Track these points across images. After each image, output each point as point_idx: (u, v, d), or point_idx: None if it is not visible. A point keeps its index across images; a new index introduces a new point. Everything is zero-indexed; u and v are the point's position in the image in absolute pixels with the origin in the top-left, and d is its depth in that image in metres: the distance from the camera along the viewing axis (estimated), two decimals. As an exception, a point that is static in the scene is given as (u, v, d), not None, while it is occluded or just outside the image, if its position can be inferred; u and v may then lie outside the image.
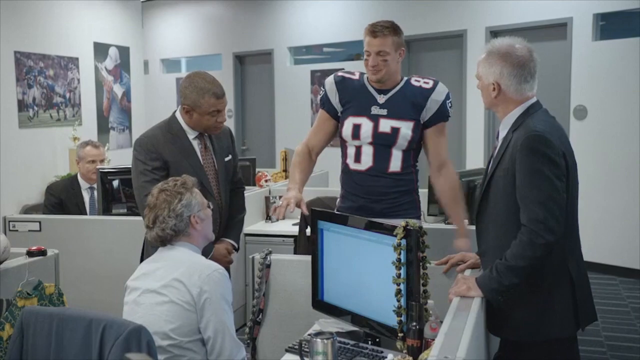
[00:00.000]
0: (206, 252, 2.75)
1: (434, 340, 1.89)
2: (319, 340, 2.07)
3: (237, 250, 3.08)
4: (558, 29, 6.43)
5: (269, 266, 2.73)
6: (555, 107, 6.46)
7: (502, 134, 2.35)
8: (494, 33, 6.91)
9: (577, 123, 6.29)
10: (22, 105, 5.74)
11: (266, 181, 5.41)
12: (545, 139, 2.19)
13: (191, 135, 2.93)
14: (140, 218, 3.71)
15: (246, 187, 5.11)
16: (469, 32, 7.07)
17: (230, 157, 3.08)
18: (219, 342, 2.24)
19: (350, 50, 8.51)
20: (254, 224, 4.90)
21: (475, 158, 7.04)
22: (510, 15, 6.74)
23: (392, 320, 2.19)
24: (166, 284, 2.27)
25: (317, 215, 2.58)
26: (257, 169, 5.75)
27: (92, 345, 2.03)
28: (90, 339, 2.05)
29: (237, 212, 3.14)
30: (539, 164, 2.16)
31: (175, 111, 3.00)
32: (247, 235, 4.72)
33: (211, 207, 2.52)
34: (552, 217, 2.10)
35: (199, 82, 2.86)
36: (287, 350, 2.38)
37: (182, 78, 3.01)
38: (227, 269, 2.94)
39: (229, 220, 3.07)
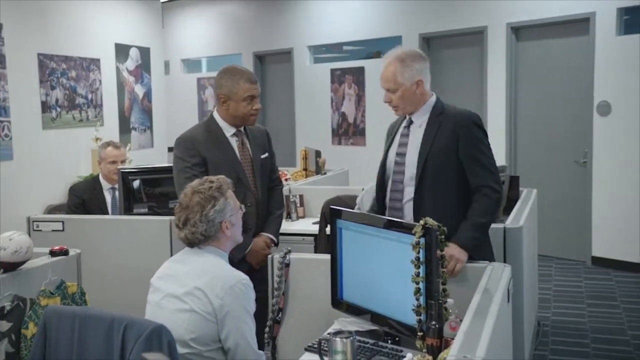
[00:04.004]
0: (244, 246, 2.78)
1: (453, 339, 1.87)
2: (338, 339, 2.07)
3: (276, 244, 3.15)
4: (580, 24, 6.34)
5: (288, 265, 2.73)
6: (578, 104, 6.40)
7: (420, 121, 2.78)
8: (515, 29, 6.84)
9: (601, 119, 6.20)
10: (45, 107, 5.82)
11: (286, 180, 5.41)
12: (479, 117, 2.79)
13: (228, 132, 3.08)
14: (161, 218, 3.76)
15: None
16: (490, 28, 7.01)
17: (266, 154, 3.20)
18: (239, 354, 2.23)
19: (370, 48, 8.49)
20: (274, 222, 4.89)
21: (497, 156, 6.95)
22: (532, 11, 6.66)
23: (411, 319, 2.18)
24: (188, 292, 2.25)
25: (336, 214, 2.58)
26: (277, 168, 5.75)
27: (114, 345, 2.05)
28: (112, 339, 2.06)
29: (276, 209, 3.24)
30: (482, 136, 2.72)
31: (212, 112, 3.14)
32: (267, 234, 4.72)
33: (243, 209, 2.50)
34: (497, 177, 2.71)
35: (232, 71, 3.05)
36: (306, 350, 2.37)
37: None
38: (264, 263, 2.92)
39: (267, 216, 3.17)
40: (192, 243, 2.35)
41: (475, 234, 2.61)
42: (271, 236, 3.12)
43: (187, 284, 2.27)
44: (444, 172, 2.68)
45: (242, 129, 3.12)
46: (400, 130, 2.85)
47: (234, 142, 3.08)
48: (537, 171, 6.69)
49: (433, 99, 2.80)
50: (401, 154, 2.80)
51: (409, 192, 2.74)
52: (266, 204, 3.16)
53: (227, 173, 2.58)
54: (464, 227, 2.62)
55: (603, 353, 4.19)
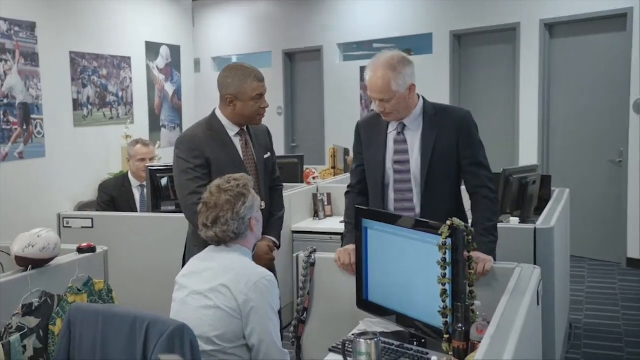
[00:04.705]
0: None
1: (480, 342, 1.83)
2: (362, 340, 2.03)
3: (278, 247, 3.06)
4: (617, 20, 6.19)
5: (313, 264, 2.70)
6: (614, 101, 6.25)
7: (415, 125, 2.71)
8: (549, 26, 6.71)
9: (637, 117, 6.04)
10: (77, 104, 5.90)
11: (314, 178, 5.39)
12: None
13: (232, 132, 2.96)
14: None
15: (294, 185, 5.15)
16: (522, 25, 6.89)
17: (269, 154, 3.09)
18: (263, 350, 2.22)
19: (400, 46, 8.40)
20: (301, 221, 4.89)
21: (529, 155, 6.86)
22: (567, 7, 6.52)
23: (437, 321, 2.14)
24: (213, 288, 2.25)
25: (361, 213, 2.55)
26: (305, 166, 5.74)
27: (137, 343, 2.05)
28: (134, 337, 2.06)
29: (277, 210, 3.13)
30: (478, 135, 2.73)
31: (214, 109, 3.02)
32: (294, 232, 4.71)
33: (263, 206, 2.50)
34: (492, 175, 2.75)
35: (239, 69, 2.91)
36: (330, 350, 2.34)
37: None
38: (273, 267, 2.94)
39: (268, 217, 3.05)
40: (221, 241, 2.35)
41: (490, 238, 2.62)
42: (274, 240, 3.03)
43: (211, 280, 2.27)
44: (449, 173, 2.70)
45: (245, 128, 3.00)
46: (392, 135, 2.75)
47: (237, 142, 2.96)
48: (571, 170, 6.55)
49: (421, 100, 2.75)
50: (402, 162, 2.72)
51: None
52: (269, 205, 3.04)
53: (231, 174, 2.50)
54: (477, 233, 2.53)
55: (638, 358, 4.08)
